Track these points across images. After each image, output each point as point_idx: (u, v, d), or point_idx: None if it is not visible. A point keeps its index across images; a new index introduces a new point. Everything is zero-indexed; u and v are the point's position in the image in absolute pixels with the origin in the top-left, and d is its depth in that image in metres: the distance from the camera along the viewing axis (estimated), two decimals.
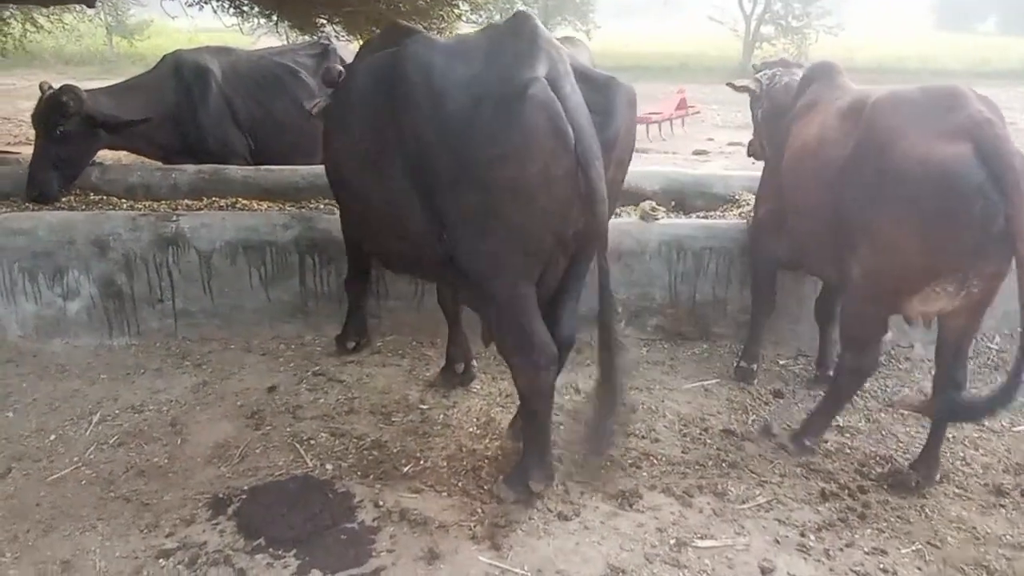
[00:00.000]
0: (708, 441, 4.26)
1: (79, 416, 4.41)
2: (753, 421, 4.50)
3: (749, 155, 5.46)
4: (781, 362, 5.24)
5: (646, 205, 5.39)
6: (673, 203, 6.48)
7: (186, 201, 6.21)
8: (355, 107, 3.76)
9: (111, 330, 5.19)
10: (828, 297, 4.91)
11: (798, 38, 30.38)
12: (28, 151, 11.80)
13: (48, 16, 16.82)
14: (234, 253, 5.08)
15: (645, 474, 3.93)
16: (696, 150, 14.51)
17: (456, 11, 10.84)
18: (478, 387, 4.69)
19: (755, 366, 4.93)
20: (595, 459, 3.87)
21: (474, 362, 4.80)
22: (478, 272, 3.38)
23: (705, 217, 5.90)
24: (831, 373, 4.94)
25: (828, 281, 4.67)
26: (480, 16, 14.84)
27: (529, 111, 3.04)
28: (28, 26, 16.43)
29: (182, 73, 6.79)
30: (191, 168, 6.53)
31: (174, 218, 5.11)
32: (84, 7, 12.37)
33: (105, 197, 6.30)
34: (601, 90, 3.34)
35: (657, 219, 5.27)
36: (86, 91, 6.32)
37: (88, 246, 5.02)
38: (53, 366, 4.96)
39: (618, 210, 6.07)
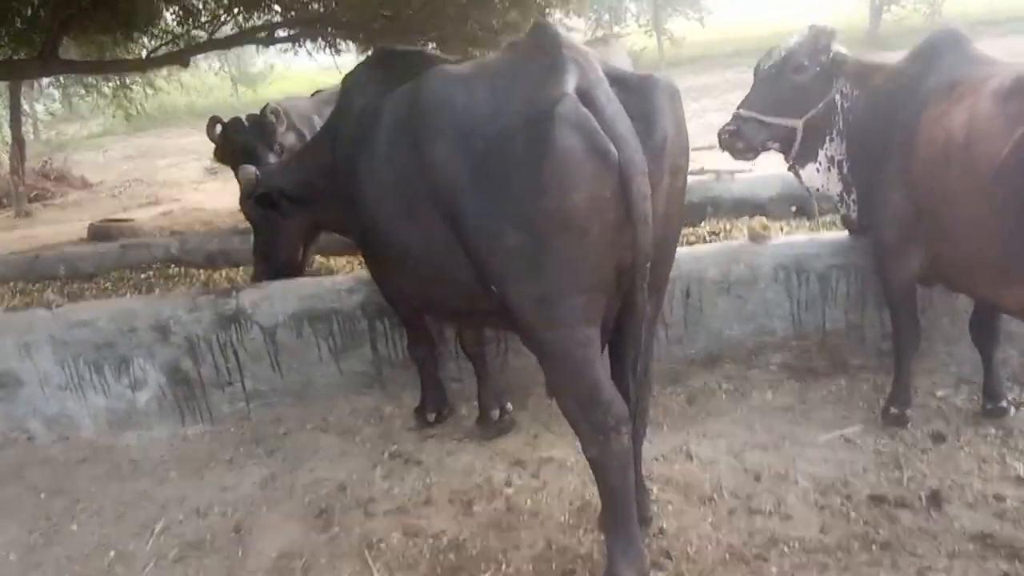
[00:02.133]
0: (853, 514, 3.48)
1: (143, 525, 4.04)
2: (910, 479, 3.69)
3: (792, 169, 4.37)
4: (939, 394, 4.38)
5: (755, 223, 4.64)
6: (794, 208, 5.69)
7: None
8: (377, 156, 3.37)
9: (184, 418, 4.86)
10: (984, 314, 4.03)
11: None
12: (144, 216, 12.10)
13: (165, 78, 17.36)
14: (299, 325, 4.67)
15: (774, 568, 3.20)
16: None
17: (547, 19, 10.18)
18: (573, 459, 4.05)
19: (908, 410, 4.08)
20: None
21: (509, 405, 4.41)
22: (530, 321, 2.92)
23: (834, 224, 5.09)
24: (1003, 405, 4.08)
25: (990, 303, 3.80)
26: (579, 18, 14.26)
27: (560, 133, 2.65)
28: (148, 89, 16.92)
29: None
30: None
31: (233, 293, 4.73)
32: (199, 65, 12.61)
33: (184, 269, 6.07)
34: (638, 92, 2.88)
35: (769, 239, 4.50)
36: None
37: (149, 332, 4.71)
38: (126, 463, 4.65)
39: (725, 230, 5.37)
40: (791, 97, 4.13)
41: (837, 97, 4.05)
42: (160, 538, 3.92)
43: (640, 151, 2.70)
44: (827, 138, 4.13)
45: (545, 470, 4.02)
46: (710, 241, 5.27)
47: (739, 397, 4.51)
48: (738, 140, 4.30)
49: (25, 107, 25.64)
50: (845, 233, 4.48)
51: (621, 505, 3.01)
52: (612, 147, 2.66)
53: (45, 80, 19.07)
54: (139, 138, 26.59)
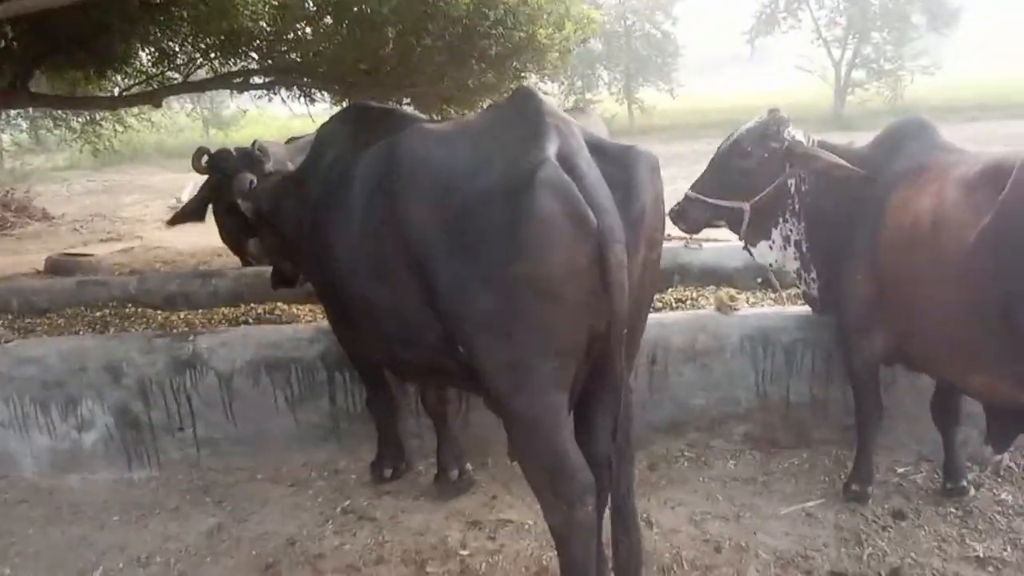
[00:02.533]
0: None
1: (80, 572, 3.87)
2: (870, 556, 3.65)
3: (745, 246, 4.39)
4: (899, 470, 4.36)
5: (723, 294, 4.64)
6: (760, 280, 5.72)
7: (223, 309, 5.80)
8: (346, 213, 3.29)
9: (130, 463, 4.69)
10: (946, 394, 4.05)
11: (891, 80, 29.02)
12: (103, 251, 11.91)
13: (136, 116, 17.23)
14: (256, 373, 4.54)
15: None
16: None
17: (525, 84, 10.28)
18: (531, 522, 3.95)
19: (869, 487, 4.05)
20: None
21: (469, 466, 4.32)
22: (499, 386, 2.86)
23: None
24: (963, 484, 4.08)
25: (953, 385, 3.82)
26: (552, 83, 14.45)
27: (540, 197, 2.63)
28: (118, 126, 16.77)
29: None
30: (232, 273, 6.13)
31: (191, 337, 4.62)
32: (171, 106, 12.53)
33: (141, 309, 5.94)
34: (618, 161, 2.86)
35: (736, 310, 4.50)
36: None
37: (101, 373, 4.56)
38: (66, 506, 4.47)
39: (692, 298, 5.38)
40: (737, 181, 4.19)
41: (791, 181, 4.10)
42: None
43: (619, 220, 2.68)
44: (780, 219, 4.18)
45: (502, 533, 3.92)
46: (676, 308, 5.27)
47: (701, 466, 4.46)
48: (681, 220, 4.41)
49: None
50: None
51: None
52: (591, 214, 2.64)
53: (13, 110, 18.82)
54: (105, 174, 26.30)
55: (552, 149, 2.70)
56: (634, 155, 2.88)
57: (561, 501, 2.81)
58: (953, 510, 3.99)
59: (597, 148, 2.86)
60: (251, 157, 5.74)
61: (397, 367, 3.82)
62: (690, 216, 4.38)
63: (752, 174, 4.15)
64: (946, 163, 3.51)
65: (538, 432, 2.82)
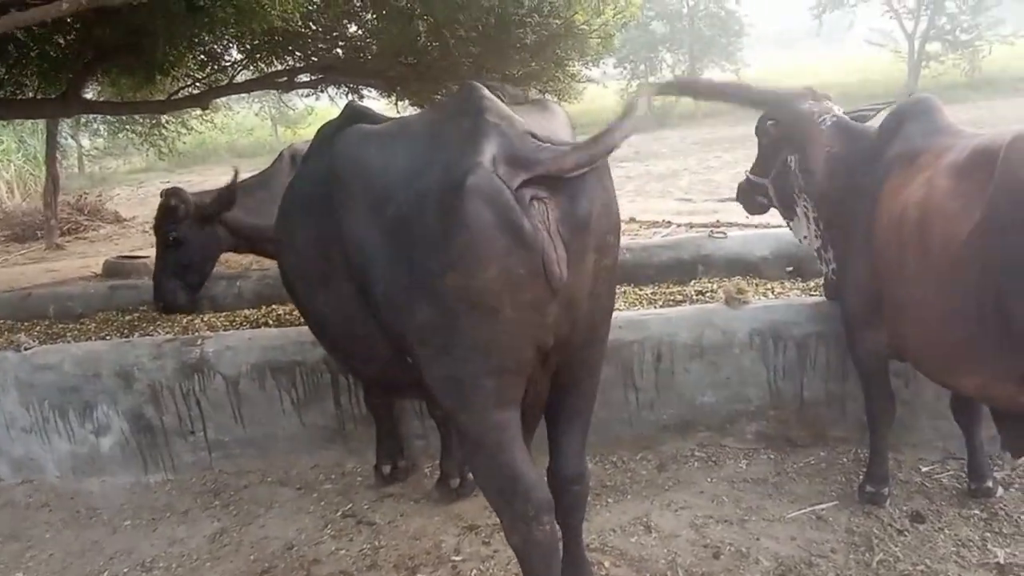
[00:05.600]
0: None
1: None
2: (880, 563, 3.46)
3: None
4: (924, 469, 4.14)
5: (731, 286, 4.47)
6: (790, 269, 5.51)
7: (246, 311, 5.85)
8: (298, 219, 3.27)
9: (146, 466, 4.76)
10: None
11: (968, 52, 27.59)
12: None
13: (198, 119, 17.59)
14: (261, 376, 4.55)
15: None
16: None
17: (568, 71, 10.16)
18: None
19: (885, 488, 3.84)
20: None
21: (471, 474, 4.12)
22: (443, 401, 2.77)
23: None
24: (988, 484, 3.84)
25: (950, 387, 3.61)
26: (601, 70, 14.24)
27: (471, 206, 2.43)
28: (181, 129, 17.17)
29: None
30: (255, 275, 6.18)
31: (198, 342, 4.65)
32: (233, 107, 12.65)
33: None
34: None
35: (746, 303, 4.32)
36: (199, 193, 6.13)
37: (113, 378, 4.64)
38: (84, 510, 4.57)
39: (713, 291, 5.19)
40: (761, 158, 4.27)
41: (791, 158, 3.99)
42: None
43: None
44: (795, 195, 4.08)
45: (497, 537, 3.83)
46: (696, 302, 5.09)
47: (712, 466, 4.30)
48: (740, 199, 4.58)
49: (72, 141, 26.31)
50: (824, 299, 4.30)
51: None
52: (527, 223, 2.46)
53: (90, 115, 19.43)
54: (180, 175, 26.99)
55: (488, 152, 2.50)
56: None
57: (517, 520, 2.70)
58: (977, 512, 3.76)
59: None
60: (166, 210, 6.01)
61: (359, 378, 3.79)
62: (744, 194, 4.52)
63: (768, 150, 4.21)
64: (942, 148, 3.27)
65: (485, 450, 2.71)
